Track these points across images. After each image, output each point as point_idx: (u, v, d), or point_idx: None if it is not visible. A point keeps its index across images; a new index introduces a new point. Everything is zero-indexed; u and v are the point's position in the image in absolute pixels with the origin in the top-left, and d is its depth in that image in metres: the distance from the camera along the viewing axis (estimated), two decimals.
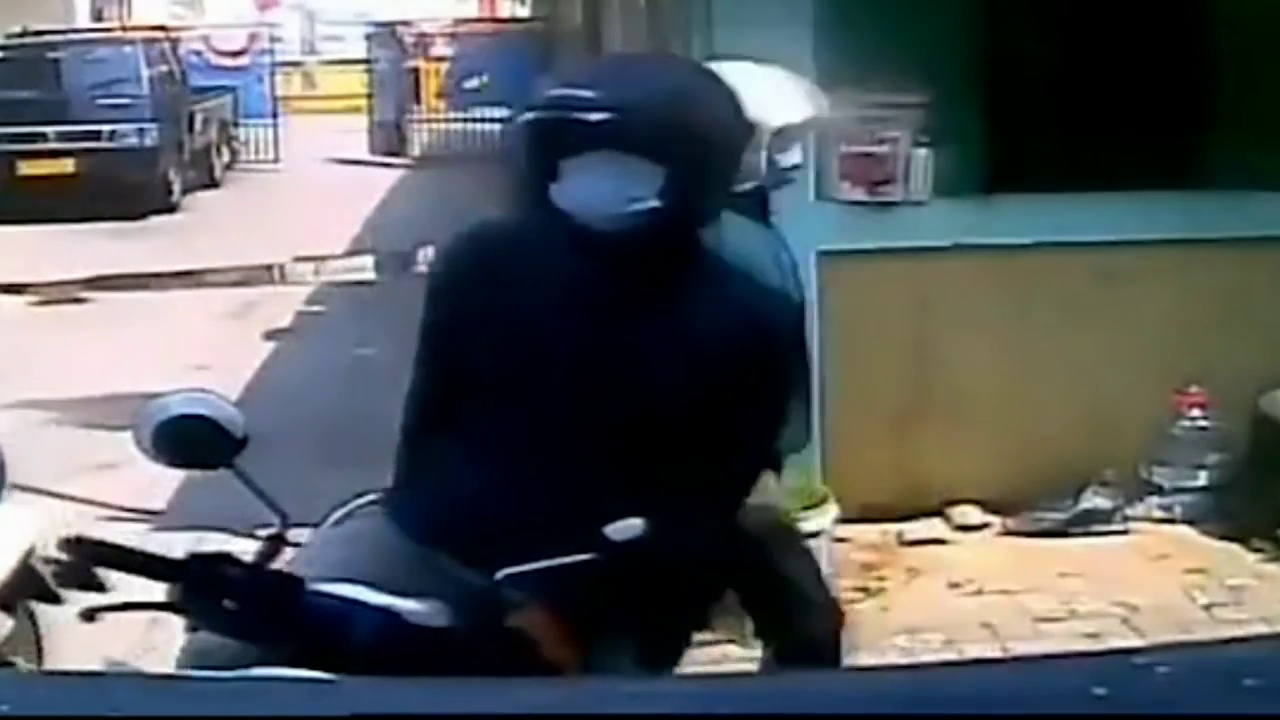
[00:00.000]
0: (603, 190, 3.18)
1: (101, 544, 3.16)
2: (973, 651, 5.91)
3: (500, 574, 3.13)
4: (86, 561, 3.15)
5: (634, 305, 3.27)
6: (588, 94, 3.17)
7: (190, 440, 3.18)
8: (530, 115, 3.23)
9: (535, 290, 3.31)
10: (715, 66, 4.49)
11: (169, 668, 3.19)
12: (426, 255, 12.07)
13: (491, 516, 3.25)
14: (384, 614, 3.10)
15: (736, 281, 3.39)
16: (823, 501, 6.47)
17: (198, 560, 3.17)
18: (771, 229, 4.58)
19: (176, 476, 5.71)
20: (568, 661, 3.17)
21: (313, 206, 19.48)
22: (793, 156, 4.57)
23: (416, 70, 26.60)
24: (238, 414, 3.22)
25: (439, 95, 26.36)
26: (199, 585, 3.14)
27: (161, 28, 25.16)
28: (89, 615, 3.16)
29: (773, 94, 4.46)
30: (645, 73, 3.43)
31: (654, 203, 3.18)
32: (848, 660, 4.96)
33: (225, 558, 3.19)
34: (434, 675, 2.80)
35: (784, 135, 4.48)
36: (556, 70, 3.85)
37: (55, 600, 5.03)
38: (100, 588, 3.26)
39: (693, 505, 3.23)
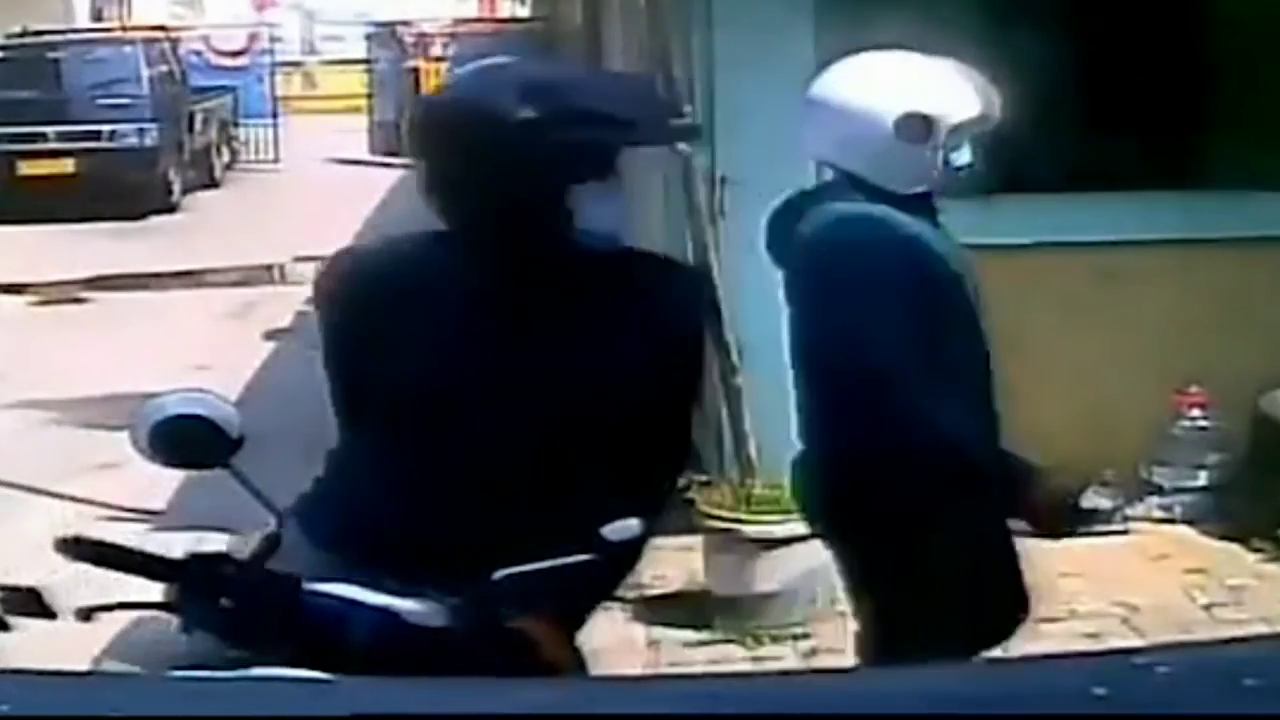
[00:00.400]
0: (603, 212, 3.22)
1: (99, 544, 3.16)
2: None
3: (498, 574, 3.13)
4: (85, 561, 3.14)
5: (552, 313, 3.29)
6: (610, 120, 3.20)
7: (186, 440, 3.17)
8: (548, 136, 3.20)
9: (441, 305, 3.30)
10: (884, 58, 4.21)
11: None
12: None
13: (402, 530, 3.24)
14: (381, 613, 3.10)
15: (644, 280, 3.41)
16: None
17: (195, 560, 3.17)
18: (940, 228, 4.22)
19: (176, 476, 5.71)
20: (564, 661, 3.17)
21: (313, 206, 19.48)
22: (964, 155, 4.18)
23: (416, 70, 26.59)
24: (234, 414, 3.22)
25: None
26: (195, 585, 3.14)
27: (161, 28, 25.17)
28: (85, 615, 3.16)
29: (948, 88, 4.14)
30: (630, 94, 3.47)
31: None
32: (846, 660, 4.94)
33: (222, 558, 3.19)
34: (431, 675, 2.80)
35: (958, 132, 4.12)
36: (555, 93, 3.64)
37: (2, 627, 4.99)
38: (51, 615, 3.24)
39: (612, 507, 3.23)
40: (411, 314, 3.27)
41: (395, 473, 3.29)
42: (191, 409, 3.18)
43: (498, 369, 3.24)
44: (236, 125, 25.54)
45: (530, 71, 3.36)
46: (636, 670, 5.77)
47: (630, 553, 3.22)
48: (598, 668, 3.39)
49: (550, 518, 3.15)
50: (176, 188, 20.76)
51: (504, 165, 3.15)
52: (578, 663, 3.26)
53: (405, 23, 27.57)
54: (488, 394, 3.24)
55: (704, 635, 6.26)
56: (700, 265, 6.77)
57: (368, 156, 25.64)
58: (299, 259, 15.97)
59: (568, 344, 3.25)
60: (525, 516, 3.18)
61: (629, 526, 3.11)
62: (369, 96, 27.10)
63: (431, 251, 3.35)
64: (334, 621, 3.09)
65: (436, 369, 3.25)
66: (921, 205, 4.14)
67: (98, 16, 31.71)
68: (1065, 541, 7.00)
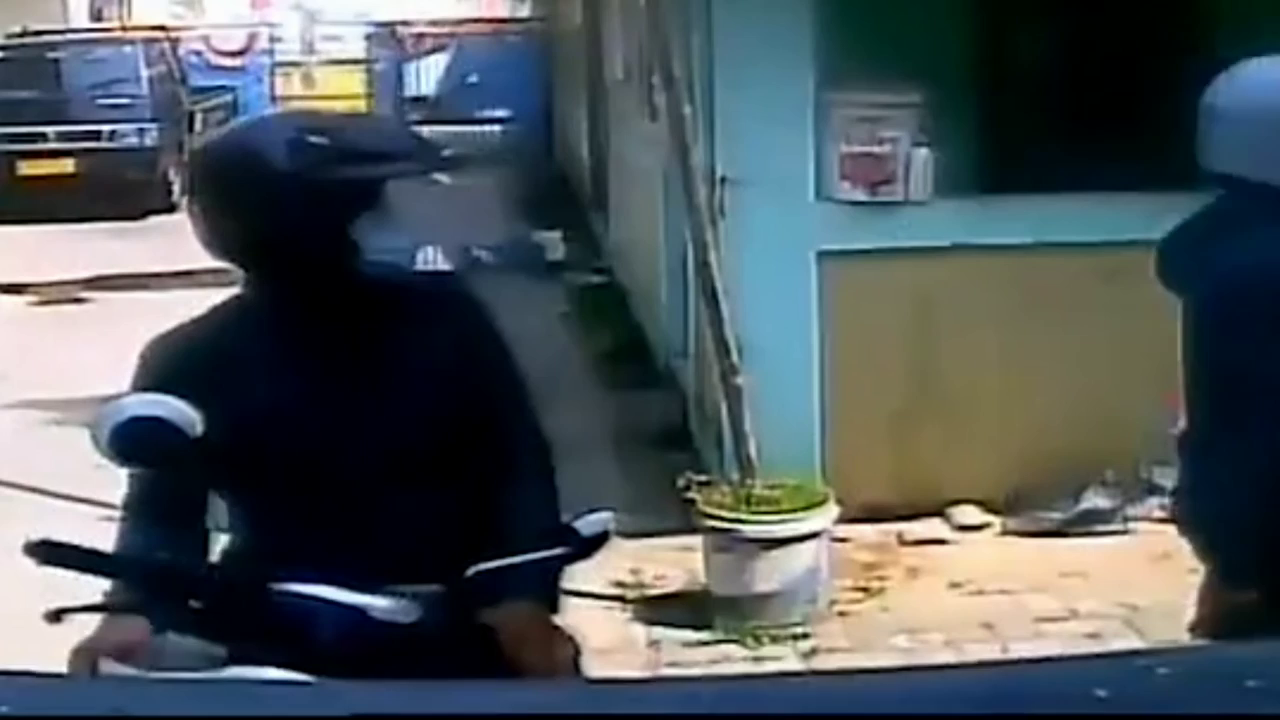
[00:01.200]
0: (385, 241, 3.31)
1: (64, 546, 3.17)
2: (973, 651, 5.90)
3: (471, 570, 3.15)
4: (53, 565, 3.15)
5: (359, 340, 3.34)
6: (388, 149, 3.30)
7: (146, 441, 3.19)
8: (326, 172, 3.25)
9: (258, 358, 3.38)
10: (1257, 64, 4.00)
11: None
12: (425, 256, 12.07)
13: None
14: (351, 611, 3.11)
15: (435, 297, 3.47)
16: (823, 501, 6.48)
17: (161, 561, 3.19)
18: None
19: None
20: (536, 657, 3.18)
21: None
22: None
23: (416, 70, 26.60)
24: (194, 414, 3.23)
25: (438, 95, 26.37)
26: (163, 586, 3.16)
27: (161, 28, 25.17)
28: (54, 617, 3.17)
29: None
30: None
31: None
32: (846, 660, 4.94)
33: (188, 558, 3.21)
34: (403, 672, 2.81)
35: None
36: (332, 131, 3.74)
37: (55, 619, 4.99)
38: None
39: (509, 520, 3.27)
40: (234, 373, 3.35)
41: (264, 522, 3.33)
42: (150, 410, 3.20)
43: (324, 407, 3.30)
44: None
45: (293, 120, 3.47)
46: (636, 670, 5.78)
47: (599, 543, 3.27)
48: (598, 668, 3.39)
49: (422, 541, 3.22)
50: (176, 188, 20.74)
51: (277, 208, 3.25)
52: (569, 651, 3.26)
53: (405, 23, 27.57)
54: (323, 434, 3.28)
55: (704, 635, 6.26)
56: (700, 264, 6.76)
57: None
58: None
59: (382, 368, 3.31)
60: (399, 540, 3.23)
61: (600, 520, 3.15)
62: (368, 96, 27.11)
63: (237, 311, 3.52)
64: (303, 620, 3.10)
65: (266, 419, 3.29)
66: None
67: (97, 16, 31.67)
68: (1066, 541, 7.03)
